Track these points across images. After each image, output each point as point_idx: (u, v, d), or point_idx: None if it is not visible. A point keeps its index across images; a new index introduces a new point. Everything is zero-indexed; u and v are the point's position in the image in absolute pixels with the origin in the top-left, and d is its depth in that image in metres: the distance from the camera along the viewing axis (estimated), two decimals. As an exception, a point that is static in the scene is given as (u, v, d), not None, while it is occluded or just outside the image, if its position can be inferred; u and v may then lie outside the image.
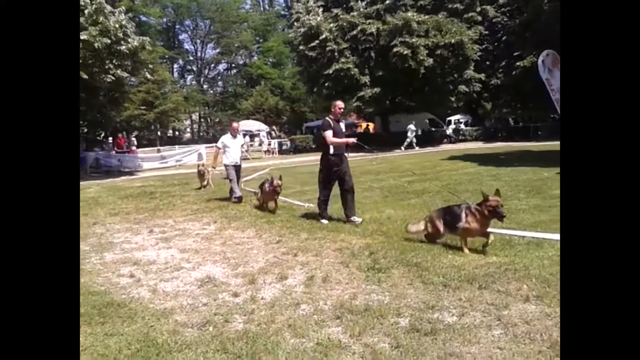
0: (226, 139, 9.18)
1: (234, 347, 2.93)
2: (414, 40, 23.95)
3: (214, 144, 12.41)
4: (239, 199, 8.83)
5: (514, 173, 11.32)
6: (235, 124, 9.68)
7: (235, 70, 61.09)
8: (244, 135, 32.24)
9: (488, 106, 37.66)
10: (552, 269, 3.99)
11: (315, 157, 6.58)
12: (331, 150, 6.47)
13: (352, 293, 3.79)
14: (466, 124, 34.18)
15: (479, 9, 29.33)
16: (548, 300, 3.36)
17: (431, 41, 24.43)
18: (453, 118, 35.33)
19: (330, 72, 25.54)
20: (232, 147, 9.09)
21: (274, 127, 36.79)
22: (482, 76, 27.94)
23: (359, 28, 25.76)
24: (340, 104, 6.74)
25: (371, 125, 36.43)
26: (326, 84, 26.83)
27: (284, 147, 30.13)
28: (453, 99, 28.40)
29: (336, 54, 25.76)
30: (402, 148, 25.37)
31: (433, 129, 30.67)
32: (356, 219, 6.43)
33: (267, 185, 7.75)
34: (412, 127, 26.32)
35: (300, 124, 44.03)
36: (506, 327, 3.01)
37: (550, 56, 13.25)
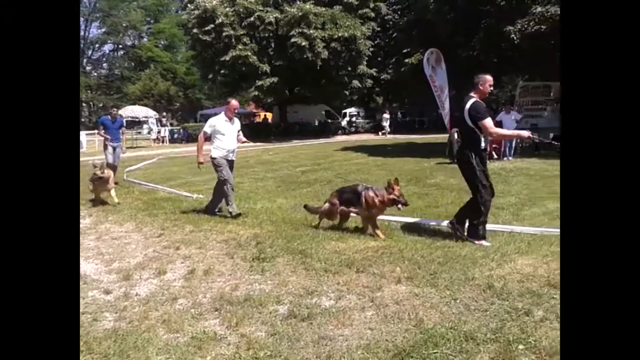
0: (218, 122, 6.27)
1: (100, 347, 2.71)
2: (311, 32, 24.24)
3: (96, 131, 10.89)
4: (236, 216, 6.10)
5: (399, 163, 12.07)
6: (234, 102, 6.45)
7: (122, 52, 56.67)
8: (133, 121, 30.22)
9: (380, 100, 39.64)
10: (423, 252, 4.31)
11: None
12: (482, 144, 4.78)
13: (234, 284, 3.73)
14: (359, 117, 35.65)
15: (372, 6, 30.56)
16: (417, 281, 3.62)
17: (327, 34, 24.92)
18: (348, 110, 36.62)
19: (227, 58, 24.84)
20: (227, 134, 6.25)
21: (164, 114, 34.80)
22: (374, 71, 29.26)
23: (256, 15, 25.39)
24: (490, 79, 4.75)
25: (269, 115, 36.33)
26: (222, 71, 26.11)
27: (176, 136, 28.69)
28: (347, 92, 29.38)
29: (233, 40, 25.11)
30: (380, 134, 27.97)
31: (329, 121, 31.50)
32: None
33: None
34: (386, 116, 28.69)
35: (195, 112, 42.30)
36: (378, 308, 3.18)
37: (434, 54, 14.21)
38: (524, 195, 7.25)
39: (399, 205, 4.99)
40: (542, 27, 12.85)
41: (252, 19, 25.46)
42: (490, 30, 15.20)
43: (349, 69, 27.51)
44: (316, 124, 30.56)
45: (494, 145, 12.28)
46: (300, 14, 24.48)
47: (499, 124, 13.29)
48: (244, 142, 6.65)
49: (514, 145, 12.70)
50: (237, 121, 6.51)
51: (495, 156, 12.28)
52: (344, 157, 15.03)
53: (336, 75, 27.12)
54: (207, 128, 6.33)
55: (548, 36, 13.16)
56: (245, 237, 5.07)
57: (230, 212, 6.18)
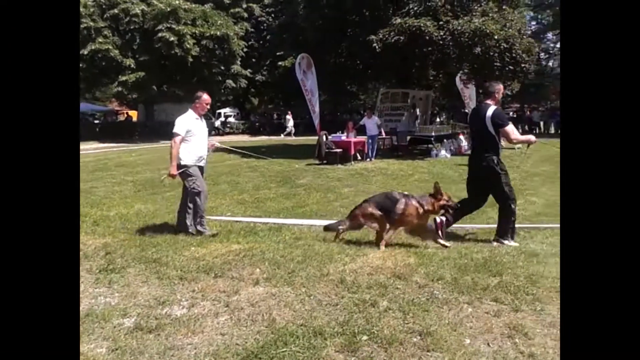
0: (189, 121, 5.23)
1: None
2: (180, 27, 23.28)
3: None
4: (213, 235, 5.15)
5: (271, 165, 12.14)
6: (206, 96, 5.37)
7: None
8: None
9: (255, 101, 39.58)
10: (284, 252, 4.37)
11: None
12: (501, 149, 4.89)
13: (75, 299, 3.35)
14: (234, 117, 35.14)
15: (245, 6, 30.41)
16: (275, 281, 3.63)
17: (198, 30, 24.16)
18: (222, 111, 35.86)
19: (86, 52, 22.63)
20: (199, 136, 5.31)
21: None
22: (249, 72, 29.13)
23: (120, 7, 23.57)
24: (502, 87, 5.07)
25: (134, 114, 33.86)
26: (81, 65, 23.65)
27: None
28: (222, 91, 28.78)
29: (92, 32, 22.96)
30: (283, 135, 26.84)
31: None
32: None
33: None
34: (288, 117, 28.26)
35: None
36: (233, 312, 3.12)
37: (305, 59, 14.63)
38: (382, 193, 7.80)
39: (450, 210, 4.76)
40: (401, 37, 13.98)
41: (115, 10, 23.58)
42: (355, 39, 16.12)
43: (222, 68, 26.99)
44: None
45: (358, 148, 13.05)
46: (168, 8, 23.34)
47: (363, 128, 14.25)
48: (218, 147, 5.69)
49: (375, 147, 13.63)
50: (204, 120, 5.50)
51: (359, 157, 13.05)
52: (215, 158, 14.58)
53: (209, 74, 26.38)
54: (180, 129, 5.12)
55: (406, 46, 14.37)
56: (93, 248, 4.61)
57: (201, 232, 5.19)
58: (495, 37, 13.14)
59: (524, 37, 14.93)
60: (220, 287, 3.55)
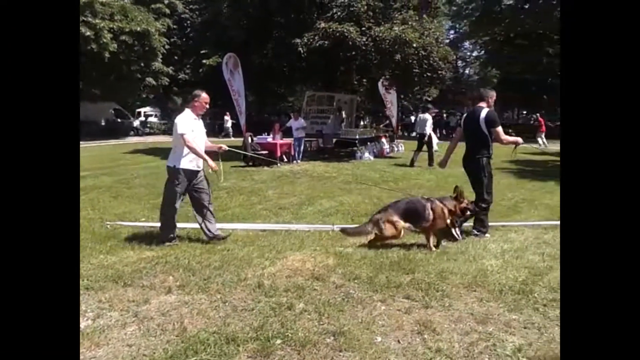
0: (190, 121, 4.76)
1: None
2: (97, 21, 21.85)
3: None
4: (222, 238, 4.88)
5: (193, 166, 11.74)
6: (205, 95, 4.89)
7: None
8: None
9: (178, 100, 38.16)
10: (201, 257, 4.23)
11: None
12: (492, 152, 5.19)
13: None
14: (155, 117, 33.67)
15: (167, 2, 29.21)
16: (189, 289, 3.51)
17: (116, 25, 22.82)
18: (142, 110, 34.19)
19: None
20: (199, 138, 4.84)
21: None
22: (171, 69, 28.03)
23: None
24: (494, 94, 5.41)
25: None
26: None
27: None
28: (141, 89, 27.44)
29: None
30: (221, 136, 25.14)
31: (119, 120, 28.77)
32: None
33: None
34: (227, 117, 26.84)
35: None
36: (141, 322, 2.96)
37: (232, 59, 14.32)
38: (305, 195, 7.85)
39: (468, 213, 4.93)
40: (326, 42, 14.16)
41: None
42: (281, 41, 16.08)
43: (142, 65, 25.70)
44: (103, 123, 27.58)
45: (284, 150, 13.04)
46: (84, 1, 21.80)
47: (289, 130, 14.26)
48: (222, 149, 5.21)
49: (302, 149, 13.71)
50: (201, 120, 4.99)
51: (286, 160, 13.04)
52: (133, 160, 13.91)
53: (128, 71, 24.99)
54: (184, 128, 4.65)
55: (331, 50, 14.59)
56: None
57: (170, 239, 4.78)
58: (414, 45, 13.72)
59: (441, 45, 15.76)
60: (129, 296, 3.36)
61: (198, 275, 3.77)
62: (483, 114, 5.14)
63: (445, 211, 4.69)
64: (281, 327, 2.87)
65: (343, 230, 4.98)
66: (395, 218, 4.61)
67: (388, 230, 4.59)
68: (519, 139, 5.66)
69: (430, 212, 4.63)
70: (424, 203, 4.72)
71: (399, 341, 2.76)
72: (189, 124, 4.74)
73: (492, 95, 5.38)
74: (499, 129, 5.16)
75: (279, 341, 2.70)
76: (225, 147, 5.42)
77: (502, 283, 3.66)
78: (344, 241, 4.92)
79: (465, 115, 5.82)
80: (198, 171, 4.85)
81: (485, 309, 3.22)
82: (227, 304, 3.24)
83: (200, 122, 4.94)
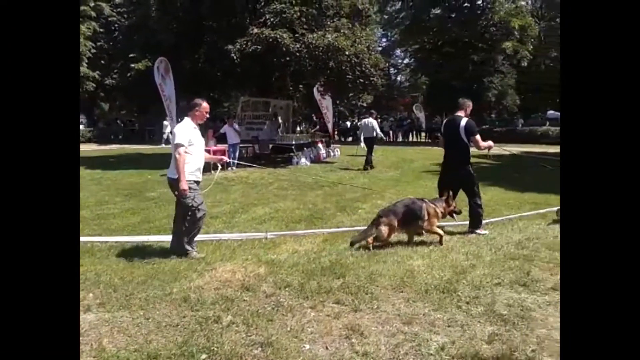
0: (189, 130, 4.56)
1: None
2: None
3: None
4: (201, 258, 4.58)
5: (119, 176, 11.20)
6: (206, 104, 4.74)
7: None
8: None
9: (105, 106, 36.30)
10: (124, 273, 4.02)
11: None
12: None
13: None
14: (81, 124, 31.73)
15: (93, 4, 27.75)
16: (110, 306, 3.32)
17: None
18: (66, 116, 32.12)
19: None
20: (198, 147, 4.65)
21: None
22: (97, 74, 26.62)
23: None
24: (471, 103, 5.85)
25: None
26: None
27: None
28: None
29: None
30: (163, 144, 22.50)
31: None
32: None
33: None
34: (166, 122, 23.29)
35: None
36: (53, 347, 2.74)
37: (164, 63, 13.79)
38: (239, 202, 7.72)
39: (455, 216, 5.41)
40: (259, 47, 14.06)
41: None
42: (213, 45, 15.76)
43: (65, 69, 24.20)
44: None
45: (219, 156, 12.75)
46: None
47: (223, 136, 13.98)
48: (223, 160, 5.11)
49: (237, 155, 13.49)
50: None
51: (220, 167, 12.76)
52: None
53: (48, 76, 23.42)
54: (183, 139, 4.40)
55: (264, 56, 14.50)
56: None
57: (189, 253, 4.58)
58: (347, 52, 14.01)
59: (373, 52, 16.21)
60: (40, 319, 3.10)
61: (120, 292, 3.57)
62: (463, 122, 5.53)
63: (438, 211, 5.17)
64: (207, 341, 2.78)
65: (352, 244, 5.00)
66: (395, 223, 4.96)
67: (387, 232, 4.92)
68: (491, 143, 6.02)
69: (427, 212, 5.08)
70: (420, 204, 5.14)
71: (327, 347, 2.77)
72: (188, 135, 4.52)
73: (469, 104, 5.80)
74: (478, 137, 5.60)
75: (204, 356, 2.61)
76: (226, 158, 5.39)
77: (428, 283, 3.79)
78: (277, 248, 4.89)
79: (444, 123, 6.16)
80: (198, 182, 4.72)
81: (412, 309, 3.31)
82: (150, 320, 3.08)
83: (198, 133, 4.73)
